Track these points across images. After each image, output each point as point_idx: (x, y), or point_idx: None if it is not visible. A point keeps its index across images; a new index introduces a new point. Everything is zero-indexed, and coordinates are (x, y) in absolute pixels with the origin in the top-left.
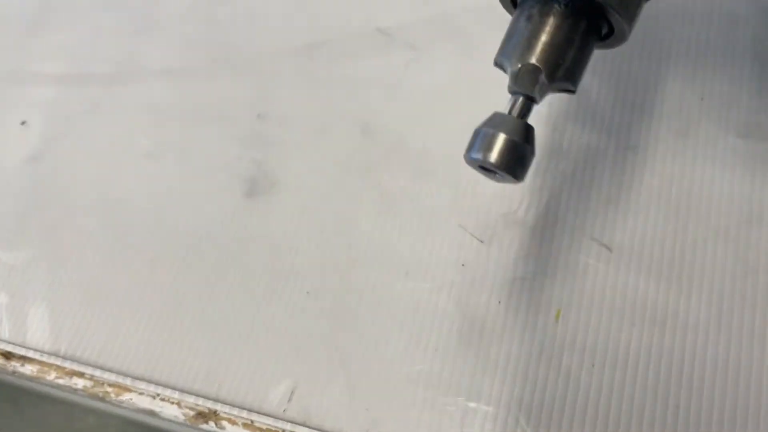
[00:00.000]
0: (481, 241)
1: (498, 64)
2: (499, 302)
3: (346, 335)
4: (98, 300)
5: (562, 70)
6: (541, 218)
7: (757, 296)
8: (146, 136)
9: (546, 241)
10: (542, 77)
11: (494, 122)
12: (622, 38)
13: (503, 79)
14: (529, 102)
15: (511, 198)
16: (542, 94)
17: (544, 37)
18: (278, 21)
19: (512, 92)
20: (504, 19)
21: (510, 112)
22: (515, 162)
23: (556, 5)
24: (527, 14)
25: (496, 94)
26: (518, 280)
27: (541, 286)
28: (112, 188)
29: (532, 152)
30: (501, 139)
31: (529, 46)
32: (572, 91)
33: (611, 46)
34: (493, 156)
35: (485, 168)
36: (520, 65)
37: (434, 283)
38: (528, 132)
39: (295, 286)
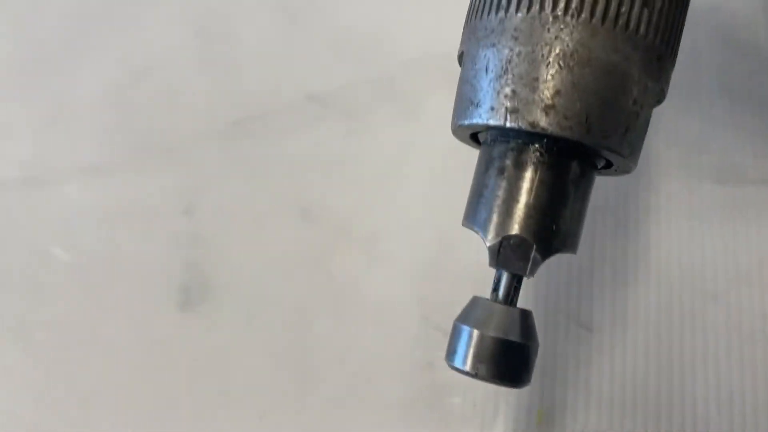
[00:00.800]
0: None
1: (468, 227)
2: (475, 406)
3: None
4: None
5: (559, 238)
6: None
7: (757, 365)
8: (63, 247)
9: None
10: (533, 253)
11: (478, 315)
12: (628, 171)
13: (456, 144)
14: (518, 280)
15: (477, 280)
16: (534, 270)
17: (526, 199)
18: (200, 98)
19: (495, 267)
20: (449, 72)
21: (496, 296)
22: (518, 369)
23: (534, 153)
24: (498, 166)
25: (453, 163)
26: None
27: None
28: (31, 311)
29: (535, 348)
30: (494, 342)
31: (509, 211)
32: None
33: (611, 175)
34: (489, 368)
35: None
36: (501, 239)
37: (401, 391)
38: (526, 323)
39: (247, 411)
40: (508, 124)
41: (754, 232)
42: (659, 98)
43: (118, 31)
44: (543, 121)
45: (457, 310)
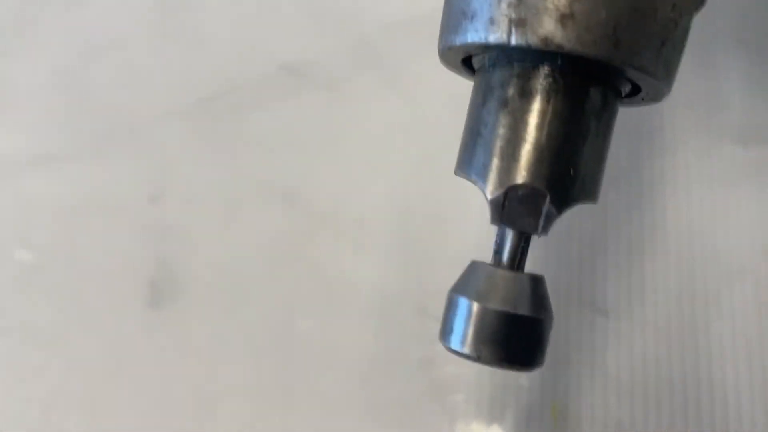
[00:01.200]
0: None
1: (463, 176)
2: (480, 403)
3: None
4: None
5: (577, 184)
6: None
7: None
8: (19, 245)
9: None
10: (547, 205)
11: (478, 284)
12: (658, 98)
13: (448, 112)
14: (526, 239)
15: None
16: (548, 227)
17: (536, 137)
18: (162, 75)
19: (498, 225)
20: (437, 31)
21: (499, 260)
22: (530, 348)
23: (545, 78)
24: (499, 97)
25: (445, 135)
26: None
27: (529, 378)
28: None
29: (549, 322)
30: (499, 317)
31: (515, 154)
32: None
33: (635, 105)
34: (494, 349)
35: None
36: (505, 189)
37: (399, 391)
38: (537, 291)
39: (226, 421)
40: (513, 41)
41: None
42: (699, 2)
43: (69, 5)
44: (558, 36)
45: None
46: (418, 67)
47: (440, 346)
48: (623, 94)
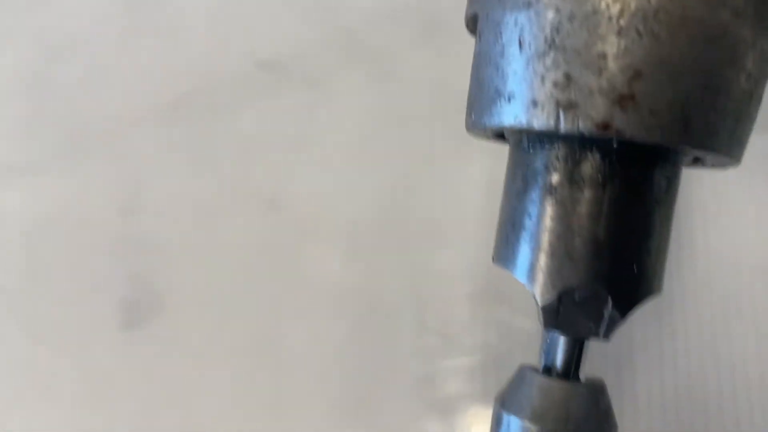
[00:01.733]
0: (450, 339)
1: (506, 270)
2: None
3: None
4: None
5: (643, 285)
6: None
7: None
8: None
9: (529, 319)
10: (609, 309)
11: (531, 398)
12: (722, 168)
13: (437, 107)
14: (581, 343)
15: (477, 276)
16: (611, 330)
17: (592, 231)
18: (132, 76)
19: (551, 330)
20: (427, 22)
21: (552, 368)
22: None
23: (599, 161)
24: (544, 183)
25: (441, 131)
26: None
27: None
28: None
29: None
30: None
31: (569, 252)
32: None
33: (695, 168)
34: None
35: None
36: (559, 293)
37: (398, 412)
38: (598, 403)
39: None
40: (562, 128)
41: None
42: None
43: (30, 4)
44: (618, 120)
45: (459, 312)
46: (403, 60)
47: (441, 362)
48: (688, 164)
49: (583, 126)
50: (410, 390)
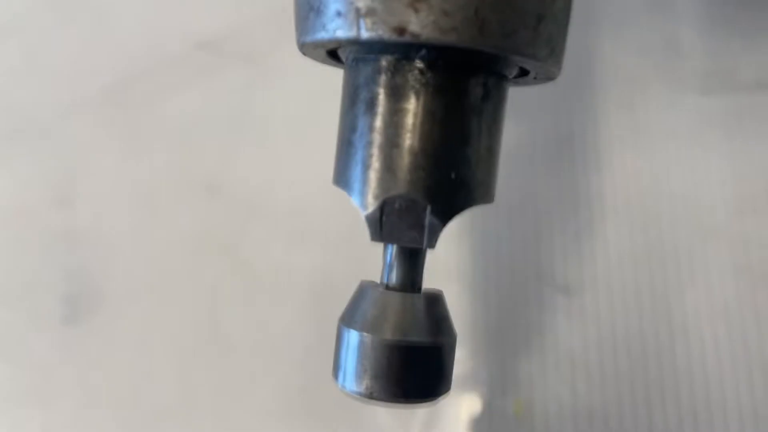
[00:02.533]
0: None
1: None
2: (437, 403)
3: None
4: None
5: (463, 190)
6: (475, 268)
7: None
8: None
9: (487, 297)
10: (428, 216)
11: (367, 311)
12: (549, 79)
13: None
14: (416, 254)
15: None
16: (433, 239)
17: (409, 141)
18: (64, 62)
19: (380, 242)
20: None
21: (389, 280)
22: (430, 379)
23: (413, 72)
24: (366, 97)
25: None
26: (458, 364)
27: (487, 372)
28: None
29: (451, 345)
30: (392, 350)
31: (389, 163)
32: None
33: (529, 84)
34: (387, 385)
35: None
36: (381, 203)
37: (338, 394)
38: (434, 313)
39: None
40: (363, 35)
41: (755, 148)
42: None
43: None
44: (413, 24)
45: None
46: None
47: None
48: (511, 76)
49: (382, 31)
50: None
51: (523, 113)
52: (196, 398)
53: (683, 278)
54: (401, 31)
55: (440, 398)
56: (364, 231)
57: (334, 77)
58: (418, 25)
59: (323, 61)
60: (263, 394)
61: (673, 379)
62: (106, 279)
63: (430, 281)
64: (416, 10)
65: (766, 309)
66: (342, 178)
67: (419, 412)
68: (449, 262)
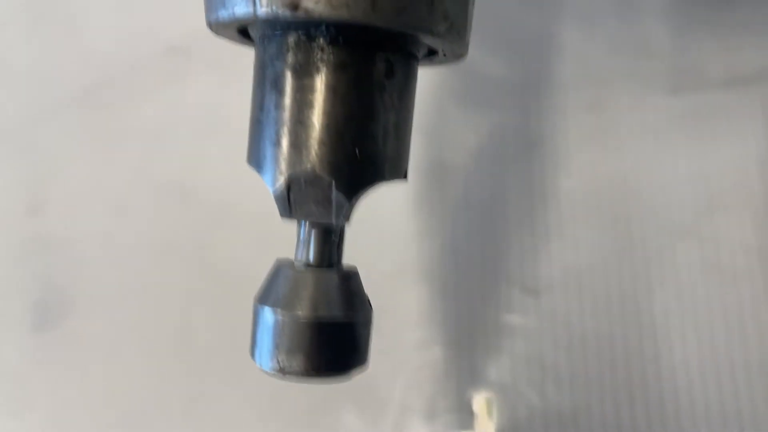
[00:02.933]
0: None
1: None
2: (406, 403)
3: None
4: None
5: (370, 166)
6: (446, 270)
7: (744, 308)
8: None
9: (457, 298)
10: (334, 192)
11: (282, 288)
12: (458, 57)
13: None
14: (326, 230)
15: (397, 252)
16: (341, 215)
17: (314, 118)
18: (35, 67)
19: (289, 219)
20: None
21: (303, 258)
22: (345, 354)
23: (316, 50)
24: (272, 75)
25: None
26: (426, 367)
27: (456, 374)
28: None
29: (366, 320)
30: (308, 326)
31: (294, 140)
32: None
33: (441, 64)
34: (302, 361)
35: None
36: (287, 177)
37: (312, 397)
38: (348, 288)
39: None
40: (259, 11)
41: (722, 147)
42: None
43: None
44: (306, 0)
45: (379, 293)
46: None
47: None
48: (419, 56)
49: (276, 7)
50: None
51: (493, 113)
52: (168, 402)
53: (652, 278)
54: (294, 6)
55: (353, 372)
56: None
57: None
58: (311, 1)
59: (239, 42)
60: (235, 397)
61: (642, 380)
62: (76, 285)
63: (401, 283)
64: None
65: (734, 308)
66: (253, 158)
67: (390, 412)
68: (420, 266)
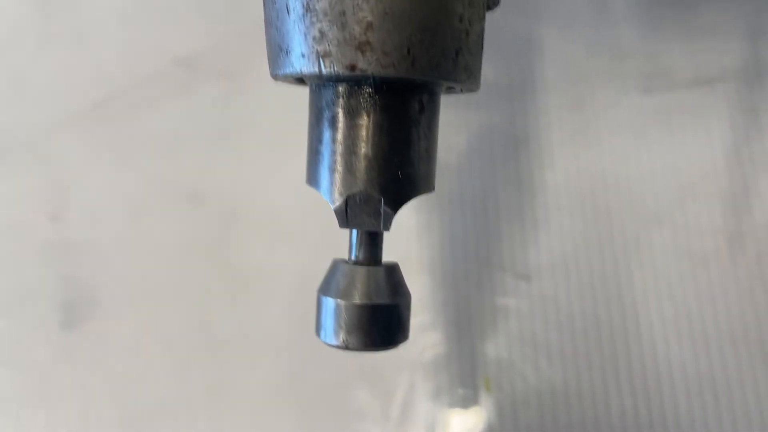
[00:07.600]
0: None
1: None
2: (412, 385)
3: None
4: None
5: (408, 185)
6: (444, 261)
7: (715, 289)
8: None
9: (455, 286)
10: (382, 206)
11: (339, 283)
12: (472, 91)
13: None
14: (373, 236)
15: (400, 245)
16: (388, 223)
17: (364, 149)
18: (50, 81)
19: (347, 228)
20: None
21: (356, 257)
22: (391, 331)
23: (364, 96)
24: (329, 116)
25: None
26: (430, 348)
27: (458, 354)
28: None
29: (407, 303)
30: (360, 310)
31: (349, 167)
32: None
33: (457, 94)
34: (359, 338)
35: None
36: (345, 197)
37: (325, 380)
38: (392, 280)
39: None
40: (324, 71)
41: (692, 141)
42: (489, 3)
43: None
44: (361, 62)
45: None
46: None
47: None
48: (441, 92)
49: (337, 69)
50: (343, 364)
51: (483, 116)
52: (190, 394)
53: (631, 262)
54: (352, 67)
55: (400, 344)
56: (335, 226)
57: (302, 93)
58: (365, 63)
59: (292, 84)
60: (253, 386)
61: (626, 354)
62: (100, 286)
63: (404, 273)
64: (363, 52)
65: (705, 287)
66: (313, 179)
67: (398, 392)
68: (421, 257)
